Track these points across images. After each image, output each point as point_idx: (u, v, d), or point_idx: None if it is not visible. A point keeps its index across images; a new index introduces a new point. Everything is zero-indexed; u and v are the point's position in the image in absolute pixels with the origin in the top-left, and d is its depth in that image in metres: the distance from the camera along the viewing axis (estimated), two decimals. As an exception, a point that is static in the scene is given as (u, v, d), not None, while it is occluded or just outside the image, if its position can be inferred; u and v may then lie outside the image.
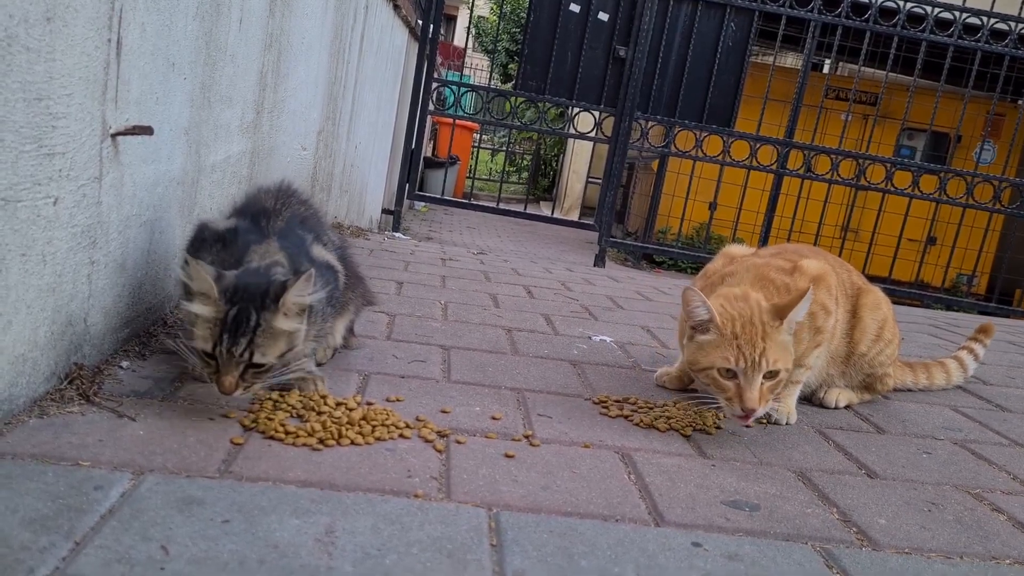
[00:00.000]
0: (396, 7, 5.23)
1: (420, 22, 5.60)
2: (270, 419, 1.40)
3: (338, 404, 1.52)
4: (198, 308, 1.37)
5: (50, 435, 1.23)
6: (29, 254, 1.23)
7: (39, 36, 1.17)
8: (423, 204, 9.42)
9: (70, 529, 0.99)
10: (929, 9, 5.01)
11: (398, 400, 1.62)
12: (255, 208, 1.64)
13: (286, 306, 1.39)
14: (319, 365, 1.67)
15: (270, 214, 1.62)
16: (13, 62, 1.12)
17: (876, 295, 2.01)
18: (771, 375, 1.59)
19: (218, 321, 1.36)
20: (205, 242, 1.56)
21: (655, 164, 7.64)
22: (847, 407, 2.02)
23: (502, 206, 5.91)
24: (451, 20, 21.40)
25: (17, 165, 1.16)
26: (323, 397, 1.53)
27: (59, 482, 1.10)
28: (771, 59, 6.04)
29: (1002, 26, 5.04)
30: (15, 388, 1.25)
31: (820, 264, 1.88)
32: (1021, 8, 5.00)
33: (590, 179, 7.37)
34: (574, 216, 10.06)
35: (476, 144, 10.81)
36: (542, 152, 14.10)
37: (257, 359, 1.37)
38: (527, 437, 1.52)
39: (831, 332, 1.87)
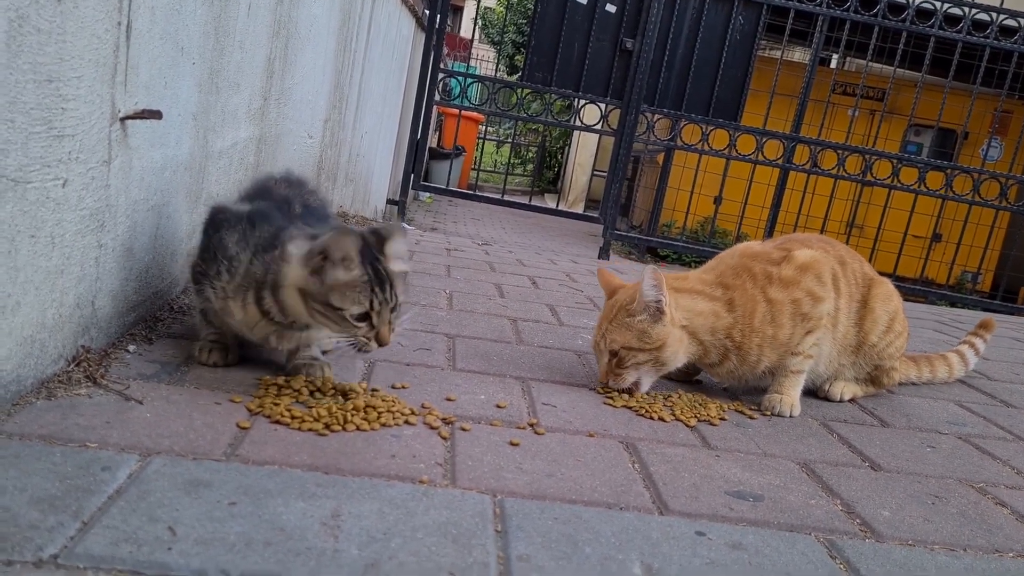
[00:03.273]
0: (403, -4, 5.22)
1: (427, 12, 5.58)
2: (276, 404, 1.41)
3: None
4: (345, 275, 1.41)
5: (58, 416, 1.24)
6: (38, 236, 1.24)
7: (50, 17, 1.17)
8: (428, 195, 9.42)
9: (78, 509, 1.00)
10: (938, 5, 4.99)
11: (403, 387, 1.63)
12: (271, 196, 1.63)
13: (394, 253, 1.48)
14: (325, 353, 1.67)
15: (288, 201, 1.62)
16: (24, 43, 1.12)
17: (888, 287, 2.01)
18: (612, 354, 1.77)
19: (367, 280, 1.42)
20: (227, 222, 1.53)
21: (660, 157, 7.62)
22: (851, 400, 2.02)
23: (507, 198, 5.91)
24: (458, 11, 21.33)
25: (27, 146, 1.17)
26: (328, 382, 1.53)
27: (67, 463, 1.10)
28: (778, 53, 6.02)
29: (1011, 23, 5.02)
30: (23, 369, 1.26)
31: (811, 253, 1.89)
32: (1031, 5, 4.98)
33: (595, 172, 7.37)
34: (579, 209, 10.04)
35: (481, 135, 10.80)
36: (547, 144, 14.07)
37: (401, 299, 1.48)
38: (532, 425, 1.52)
39: (825, 319, 1.86)
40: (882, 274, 2.11)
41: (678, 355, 1.78)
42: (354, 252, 1.41)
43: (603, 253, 5.42)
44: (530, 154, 14.85)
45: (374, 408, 1.44)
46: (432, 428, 1.44)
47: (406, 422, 1.44)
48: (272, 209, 1.55)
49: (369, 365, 1.74)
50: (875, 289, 1.98)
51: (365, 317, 1.43)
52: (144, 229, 1.66)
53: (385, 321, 1.45)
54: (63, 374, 1.37)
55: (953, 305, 5.34)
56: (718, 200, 5.35)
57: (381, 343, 1.45)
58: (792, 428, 1.75)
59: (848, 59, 8.79)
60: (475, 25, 7.02)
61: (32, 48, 1.14)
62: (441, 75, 5.35)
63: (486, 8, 17.24)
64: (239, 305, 1.50)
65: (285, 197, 1.62)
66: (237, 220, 1.53)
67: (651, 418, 1.67)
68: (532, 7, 5.28)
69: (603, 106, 5.29)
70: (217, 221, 1.56)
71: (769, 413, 1.81)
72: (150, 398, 1.37)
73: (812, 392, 2.00)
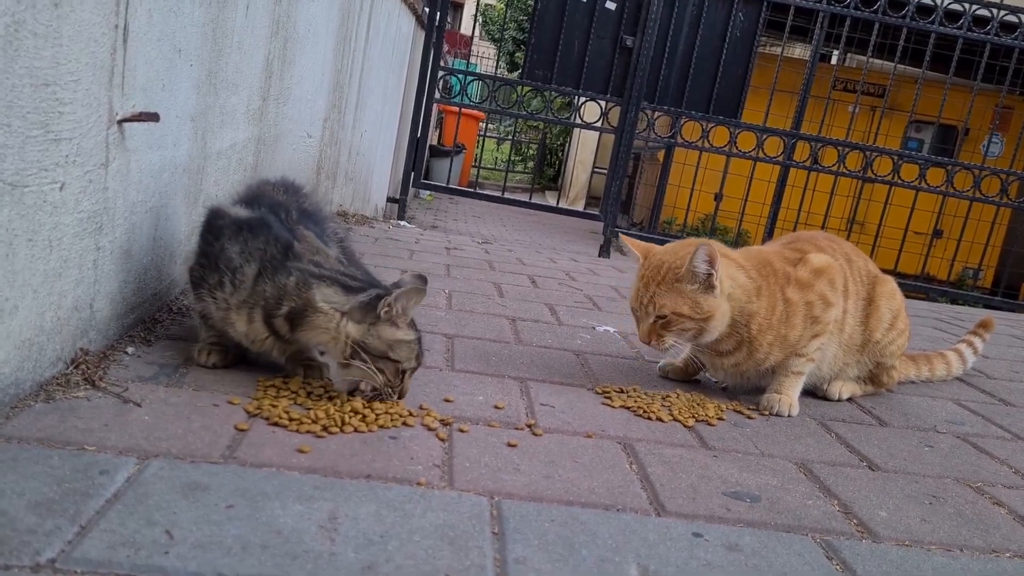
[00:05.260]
0: (403, -6, 5.21)
1: (427, 9, 5.58)
2: (274, 406, 1.41)
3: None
4: (404, 334, 1.47)
5: (56, 419, 1.24)
6: (36, 239, 1.24)
7: (46, 21, 1.17)
8: (428, 193, 9.41)
9: (76, 513, 1.00)
10: (938, 1, 4.98)
11: (401, 388, 1.63)
12: (267, 201, 1.62)
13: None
14: (322, 355, 1.67)
15: (285, 207, 1.61)
16: (20, 47, 1.12)
17: (891, 285, 2.03)
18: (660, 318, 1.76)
19: (416, 340, 1.49)
20: (225, 229, 1.52)
21: (661, 154, 7.62)
22: (850, 399, 2.02)
23: (507, 195, 5.90)
24: (458, 8, 21.31)
25: (24, 150, 1.17)
26: (326, 384, 1.54)
27: (64, 466, 1.11)
28: (779, 50, 6.01)
29: (1012, 19, 5.00)
30: (21, 372, 1.26)
31: (825, 257, 1.90)
32: (1032, 0, 4.96)
33: (595, 169, 7.36)
34: (579, 206, 10.04)
35: (482, 133, 10.78)
36: (548, 142, 14.06)
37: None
38: (530, 426, 1.53)
39: (834, 324, 1.87)
40: (883, 271, 2.11)
41: (718, 329, 1.77)
42: (409, 317, 1.48)
43: (603, 251, 5.41)
44: (531, 151, 14.84)
45: (372, 410, 1.45)
46: (430, 430, 1.44)
47: (404, 424, 1.44)
48: (273, 219, 1.54)
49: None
50: (880, 287, 2.00)
51: (407, 371, 1.49)
52: (142, 231, 1.66)
53: (410, 377, 1.51)
54: (61, 377, 1.37)
55: (954, 302, 5.33)
56: (719, 197, 5.35)
57: (401, 396, 1.50)
58: (790, 428, 1.75)
59: (849, 56, 8.77)
60: (475, 22, 7.01)
61: (29, 52, 1.14)
62: (441, 73, 5.35)
63: (486, 5, 17.21)
64: (243, 318, 1.50)
65: (282, 203, 1.61)
66: (238, 228, 1.51)
67: (649, 418, 1.67)
68: (532, 4, 5.27)
69: (603, 103, 5.28)
70: (216, 228, 1.53)
71: (767, 413, 1.82)
72: (148, 400, 1.37)
73: (811, 391, 2.00)
